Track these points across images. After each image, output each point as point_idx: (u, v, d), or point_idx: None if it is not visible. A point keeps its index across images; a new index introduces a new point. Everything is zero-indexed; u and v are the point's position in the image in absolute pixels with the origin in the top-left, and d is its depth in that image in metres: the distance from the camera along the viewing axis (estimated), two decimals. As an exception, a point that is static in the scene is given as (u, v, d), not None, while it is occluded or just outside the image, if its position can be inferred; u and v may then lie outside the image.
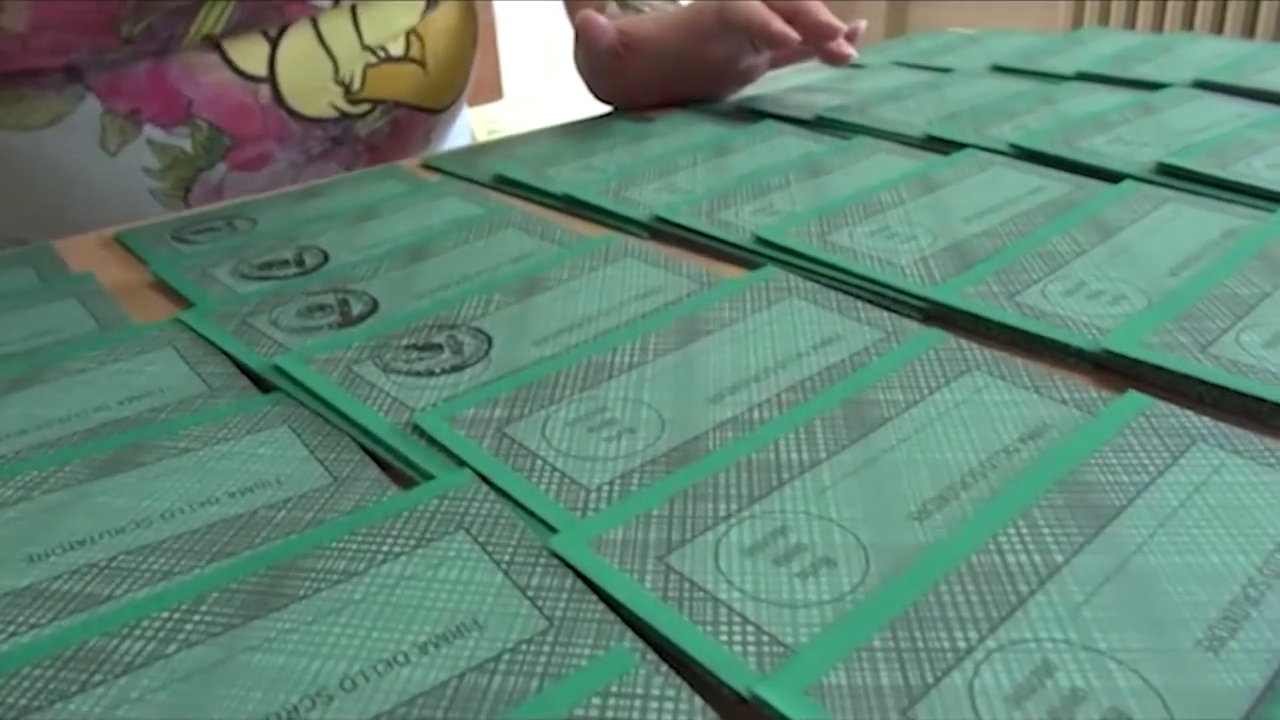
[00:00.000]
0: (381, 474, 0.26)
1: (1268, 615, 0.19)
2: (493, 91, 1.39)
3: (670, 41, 0.56)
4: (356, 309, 0.34)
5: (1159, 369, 0.28)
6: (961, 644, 0.19)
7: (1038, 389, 0.27)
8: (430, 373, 0.30)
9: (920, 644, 0.19)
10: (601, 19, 0.54)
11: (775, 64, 0.62)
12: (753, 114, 0.57)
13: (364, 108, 0.59)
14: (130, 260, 0.42)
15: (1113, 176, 0.43)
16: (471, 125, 0.81)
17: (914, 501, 0.23)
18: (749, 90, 0.63)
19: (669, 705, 0.18)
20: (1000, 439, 0.25)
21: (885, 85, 0.61)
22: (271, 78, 0.55)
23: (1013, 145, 0.47)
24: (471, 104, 1.44)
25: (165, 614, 0.21)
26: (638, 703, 0.18)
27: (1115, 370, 0.29)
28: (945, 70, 0.64)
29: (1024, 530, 0.21)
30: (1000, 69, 0.64)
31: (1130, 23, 2.12)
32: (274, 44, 0.54)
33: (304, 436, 0.27)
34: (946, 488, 0.23)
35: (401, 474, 0.26)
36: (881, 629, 0.19)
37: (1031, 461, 0.24)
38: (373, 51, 0.58)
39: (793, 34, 0.50)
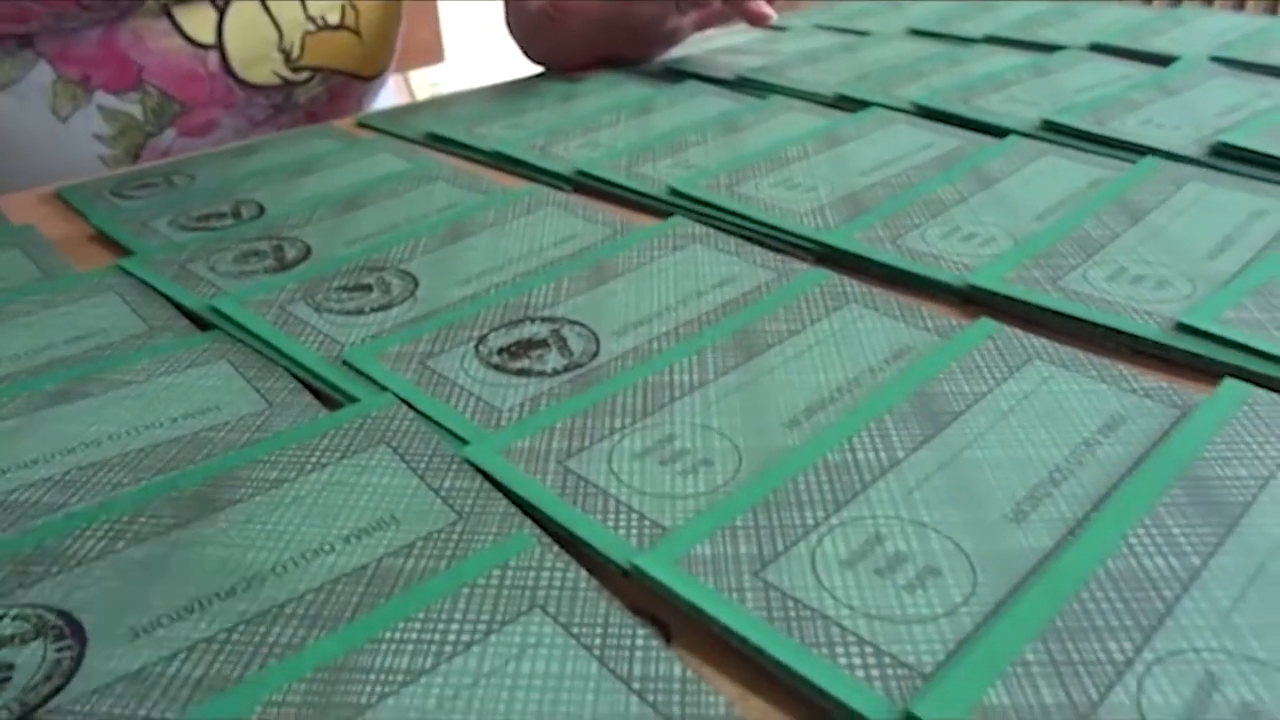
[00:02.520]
0: (313, 400, 0.28)
1: (1065, 494, 0.22)
2: (433, 54, 1.40)
3: (599, 4, 0.58)
4: (290, 255, 0.37)
5: (1013, 300, 0.31)
6: (810, 521, 0.22)
7: (905, 318, 0.30)
8: (359, 311, 0.32)
9: (775, 523, 0.22)
10: None
11: (701, 26, 0.64)
12: (677, 75, 0.59)
13: (304, 75, 0.60)
14: (70, 215, 0.44)
15: (1001, 132, 0.46)
16: (414, 87, 0.82)
17: (787, 414, 0.26)
18: (677, 52, 0.65)
19: (559, 576, 0.21)
20: (867, 361, 0.28)
21: (805, 47, 0.64)
22: (219, 45, 0.56)
23: (914, 104, 0.50)
24: (412, 67, 1.44)
25: (114, 518, 0.23)
26: (531, 574, 0.21)
27: (979, 303, 0.32)
28: (863, 34, 0.67)
29: (874, 433, 0.25)
30: (915, 32, 0.67)
31: None
32: (221, 12, 0.55)
33: (241, 369, 0.30)
34: (815, 402, 0.27)
35: (332, 401, 0.29)
36: (744, 512, 0.22)
37: (889, 379, 0.27)
38: (313, 20, 0.59)
39: None
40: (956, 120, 0.48)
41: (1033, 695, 0.17)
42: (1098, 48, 0.59)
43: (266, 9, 0.57)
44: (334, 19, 0.61)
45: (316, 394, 0.29)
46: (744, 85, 0.57)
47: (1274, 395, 0.25)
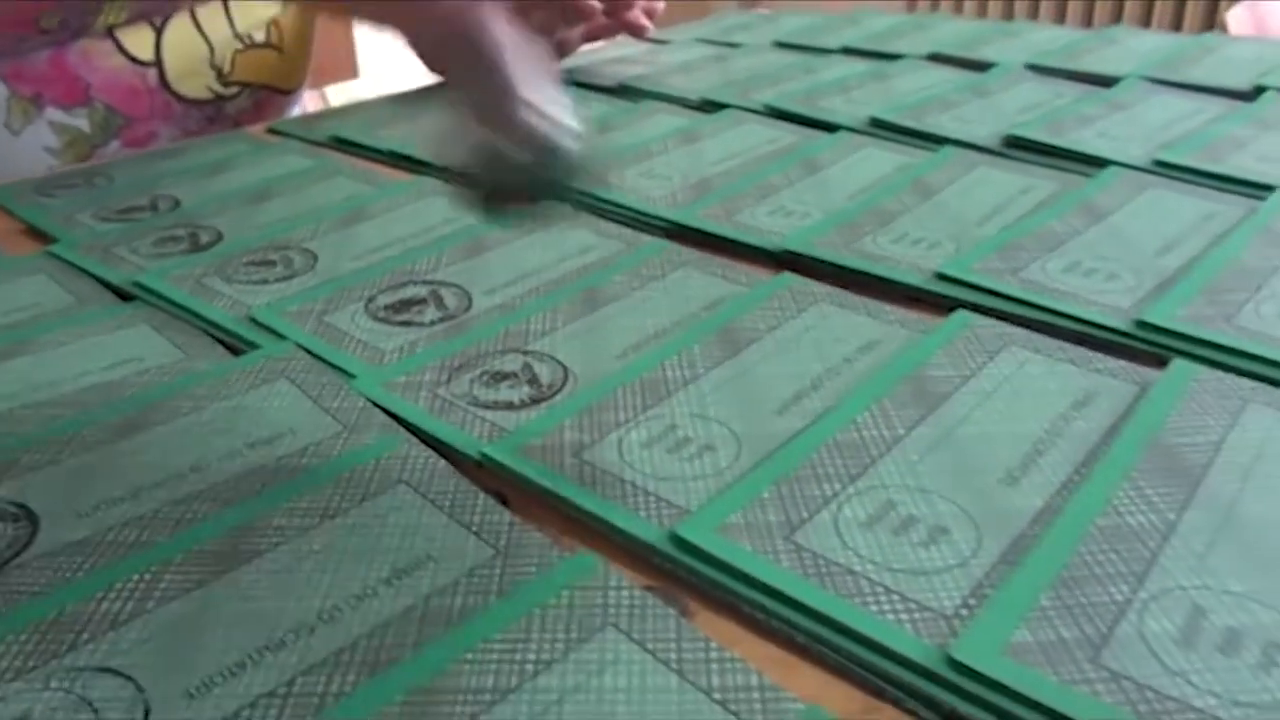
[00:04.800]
0: (225, 352, 0.34)
1: (820, 394, 0.29)
2: (348, 71, 1.45)
3: (489, 17, 0.64)
4: (204, 239, 0.42)
5: (815, 259, 0.38)
6: (621, 419, 0.28)
7: (725, 277, 0.37)
8: (265, 281, 0.37)
9: (595, 422, 0.28)
10: None
11: (589, 38, 0.71)
12: (564, 83, 0.66)
13: (234, 90, 0.66)
14: (-2, 211, 0.48)
15: (834, 128, 0.53)
16: (331, 102, 0.86)
17: (619, 348, 0.32)
18: (567, 62, 0.72)
19: (420, 463, 0.26)
20: (689, 309, 0.35)
21: (683, 58, 0.71)
22: (158, 62, 0.61)
23: (767, 105, 0.57)
24: (329, 83, 1.49)
25: (59, 437, 0.28)
26: (399, 462, 0.26)
27: (790, 264, 0.39)
28: (735, 45, 0.74)
29: (683, 358, 0.31)
30: (781, 44, 0.74)
31: (980, 11, 2.34)
32: (159, 32, 0.60)
33: (161, 330, 0.35)
34: (643, 339, 0.33)
35: (241, 353, 0.34)
36: (572, 416, 0.28)
37: (703, 320, 0.34)
38: (241, 39, 0.65)
39: (593, 3, 0.59)
40: (799, 119, 0.55)
41: (760, 517, 0.24)
42: (934, 57, 0.67)
43: (198, 28, 0.62)
44: (260, 37, 0.66)
45: (228, 347, 0.34)
46: (623, 91, 0.63)
47: (991, 320, 0.32)
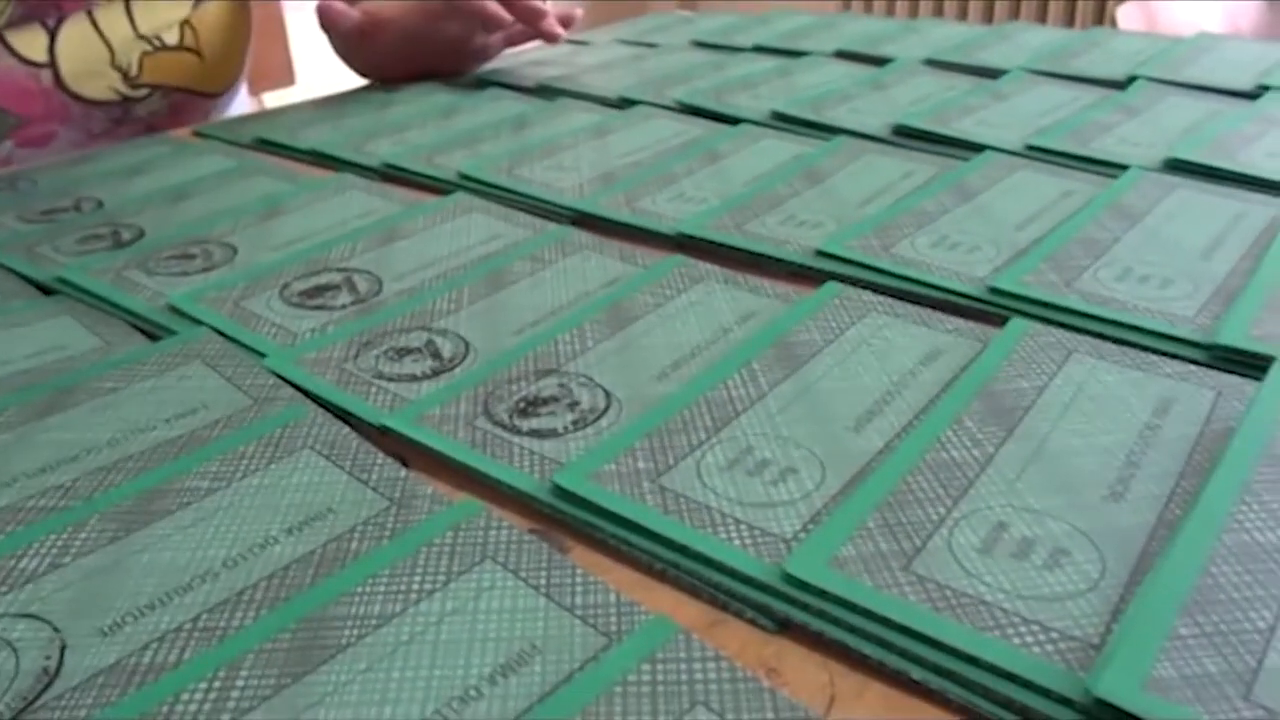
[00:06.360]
0: (144, 339, 0.35)
1: (698, 360, 0.32)
2: (285, 77, 1.45)
3: (408, 22, 0.66)
4: (126, 236, 0.43)
5: (706, 240, 0.41)
6: (516, 391, 0.30)
7: (622, 259, 0.40)
8: (185, 273, 0.39)
9: (490, 392, 0.30)
10: (340, 4, 0.64)
11: (510, 44, 0.73)
12: (484, 83, 0.68)
13: (143, 92, 0.66)
14: (-79, 216, 0.49)
15: (738, 121, 0.56)
16: (267, 107, 0.87)
17: (517, 324, 0.35)
18: (488, 66, 0.74)
19: (325, 430, 0.29)
20: (586, 287, 0.37)
21: (601, 59, 0.73)
22: (52, 63, 0.61)
23: (677, 101, 0.60)
24: (264, 90, 1.49)
25: (-21, 420, 0.30)
26: (304, 429, 0.29)
27: (685, 246, 0.41)
28: (653, 45, 0.77)
29: (574, 335, 0.34)
30: (697, 44, 0.77)
31: (911, 10, 2.40)
32: (52, 34, 0.61)
33: (83, 321, 0.36)
34: (540, 316, 0.35)
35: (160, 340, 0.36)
36: (469, 388, 0.31)
37: (596, 298, 0.36)
38: (148, 40, 0.65)
39: (504, 14, 0.62)
40: (706, 113, 0.58)
41: (631, 465, 0.26)
42: (840, 54, 0.71)
43: (96, 30, 0.62)
44: (172, 40, 0.67)
45: (149, 335, 0.36)
46: (541, 91, 0.66)
47: (857, 290, 0.35)
